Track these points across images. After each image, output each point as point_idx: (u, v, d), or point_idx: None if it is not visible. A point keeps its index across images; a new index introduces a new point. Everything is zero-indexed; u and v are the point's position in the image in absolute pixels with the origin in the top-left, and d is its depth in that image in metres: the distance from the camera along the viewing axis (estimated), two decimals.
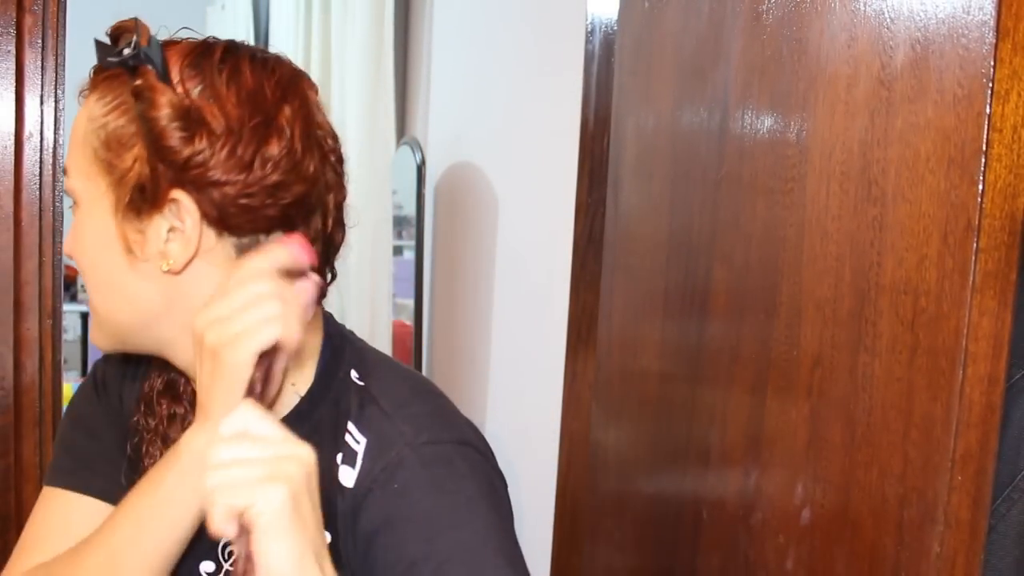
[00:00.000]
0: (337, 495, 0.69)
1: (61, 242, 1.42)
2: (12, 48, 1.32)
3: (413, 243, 2.15)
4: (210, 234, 0.67)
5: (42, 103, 1.36)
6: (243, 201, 0.66)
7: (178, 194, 0.66)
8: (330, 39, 2.49)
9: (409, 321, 2.17)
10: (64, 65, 1.36)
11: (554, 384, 1.37)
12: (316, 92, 0.73)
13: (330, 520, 0.69)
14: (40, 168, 1.36)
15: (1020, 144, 0.64)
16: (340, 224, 0.74)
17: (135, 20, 0.68)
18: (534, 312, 1.56)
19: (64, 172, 0.73)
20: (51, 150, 1.37)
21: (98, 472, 0.79)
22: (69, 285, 4.68)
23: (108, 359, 0.84)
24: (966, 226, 0.66)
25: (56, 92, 1.36)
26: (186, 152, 0.65)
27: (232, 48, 0.70)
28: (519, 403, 1.62)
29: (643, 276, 1.13)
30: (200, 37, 0.72)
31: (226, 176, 0.65)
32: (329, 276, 0.76)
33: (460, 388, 1.88)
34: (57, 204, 1.39)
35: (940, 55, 0.69)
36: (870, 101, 0.75)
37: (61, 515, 0.78)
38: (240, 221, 0.67)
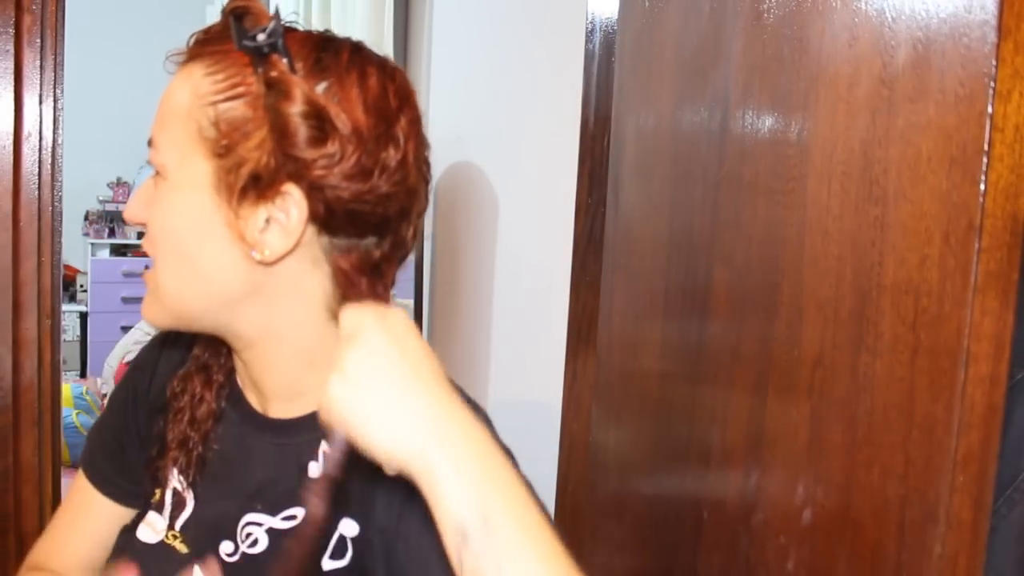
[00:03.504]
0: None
1: (60, 241, 1.41)
2: (11, 48, 1.32)
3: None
4: (311, 230, 0.67)
5: (41, 102, 1.35)
6: (353, 207, 0.65)
7: (290, 188, 0.64)
8: None
9: None
10: (63, 64, 1.36)
11: (554, 384, 1.37)
12: (416, 95, 0.72)
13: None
14: (39, 168, 1.36)
15: (1022, 144, 0.64)
16: (416, 232, 0.74)
17: None
18: (534, 312, 1.56)
19: (149, 144, 0.69)
20: (50, 149, 1.36)
21: (110, 470, 0.84)
22: (68, 285, 4.68)
23: (151, 344, 0.85)
24: (968, 226, 0.66)
25: (55, 91, 1.35)
26: (313, 154, 0.63)
27: (357, 49, 0.68)
28: (519, 403, 1.62)
29: (643, 276, 1.12)
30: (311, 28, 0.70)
31: (346, 183, 0.64)
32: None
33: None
34: (56, 204, 1.39)
35: (942, 54, 0.68)
36: (871, 100, 0.75)
37: (80, 500, 0.84)
38: (343, 224, 0.66)
